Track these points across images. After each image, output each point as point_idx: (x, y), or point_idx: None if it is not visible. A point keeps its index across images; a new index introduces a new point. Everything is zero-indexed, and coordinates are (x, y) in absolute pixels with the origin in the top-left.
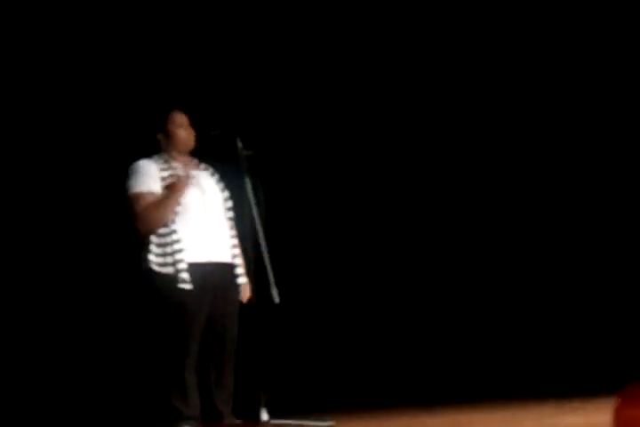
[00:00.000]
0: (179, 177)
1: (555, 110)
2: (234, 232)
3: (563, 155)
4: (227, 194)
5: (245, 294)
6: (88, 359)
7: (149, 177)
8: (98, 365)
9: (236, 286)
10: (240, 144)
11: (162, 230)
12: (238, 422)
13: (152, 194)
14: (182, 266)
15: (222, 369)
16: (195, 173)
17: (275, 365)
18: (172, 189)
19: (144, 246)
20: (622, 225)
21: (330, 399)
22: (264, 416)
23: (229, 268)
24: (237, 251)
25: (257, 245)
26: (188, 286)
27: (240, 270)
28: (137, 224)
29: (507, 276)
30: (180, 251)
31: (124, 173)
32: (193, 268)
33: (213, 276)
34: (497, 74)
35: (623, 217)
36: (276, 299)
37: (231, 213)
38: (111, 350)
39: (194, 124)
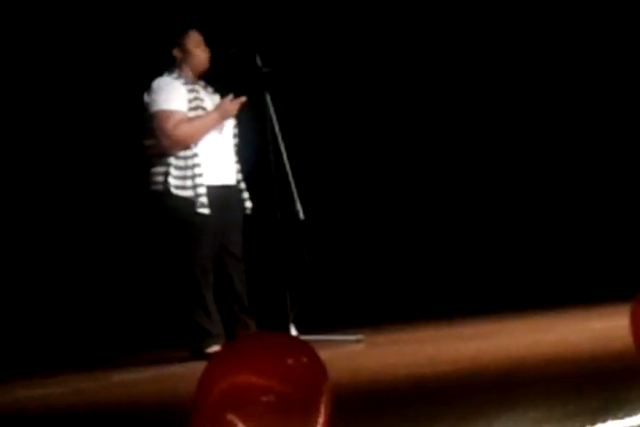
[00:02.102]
0: (230, 105)
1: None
2: (237, 158)
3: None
4: (235, 120)
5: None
6: (107, 282)
7: (178, 95)
8: (116, 289)
9: (243, 209)
10: (259, 61)
11: (183, 153)
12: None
13: (181, 112)
14: (202, 190)
15: (237, 284)
16: (206, 96)
17: (302, 281)
18: (224, 114)
19: (160, 168)
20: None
21: (357, 314)
22: (293, 332)
23: (237, 191)
24: (241, 176)
25: (280, 160)
26: (206, 211)
27: (246, 195)
28: (165, 142)
29: (534, 193)
30: (200, 175)
31: (136, 88)
32: (209, 191)
33: (224, 199)
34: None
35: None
36: (301, 215)
37: (237, 140)
38: (130, 272)
39: (214, 42)
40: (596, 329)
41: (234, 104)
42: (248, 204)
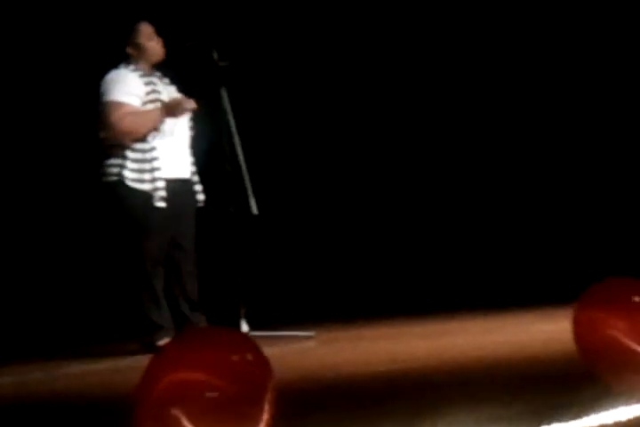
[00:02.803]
0: (180, 103)
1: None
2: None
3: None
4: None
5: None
6: (59, 274)
7: (132, 90)
8: (68, 280)
9: (195, 202)
10: (216, 55)
11: (140, 146)
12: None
13: (131, 106)
14: (160, 184)
15: (186, 278)
16: (162, 87)
17: (254, 277)
18: (170, 111)
19: (116, 160)
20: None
21: (309, 310)
22: (244, 328)
23: (190, 184)
24: (194, 168)
25: (234, 155)
26: (163, 204)
27: (198, 187)
28: (109, 133)
29: (477, 189)
30: (158, 169)
31: (93, 83)
32: (166, 184)
33: (178, 192)
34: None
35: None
36: (255, 210)
37: (193, 132)
38: (81, 263)
39: (170, 35)
40: (545, 331)
41: (183, 107)
42: (200, 196)
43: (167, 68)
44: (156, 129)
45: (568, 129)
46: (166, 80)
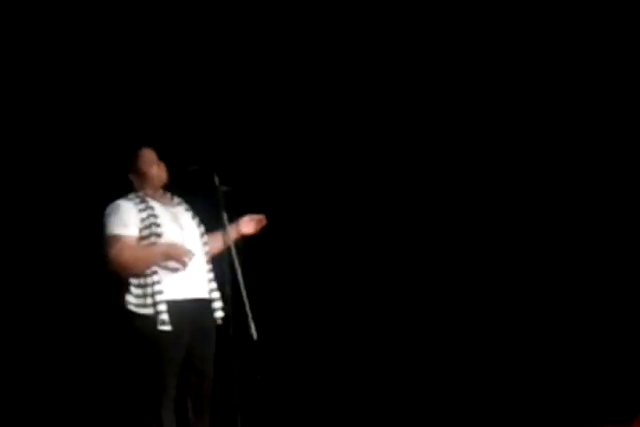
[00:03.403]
0: (182, 250)
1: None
2: (210, 266)
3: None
4: (202, 229)
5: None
6: (67, 397)
7: (128, 220)
8: (77, 403)
9: (214, 321)
10: (217, 180)
11: None
12: None
13: (131, 238)
14: (162, 308)
15: (200, 405)
16: (171, 209)
17: (254, 402)
18: (169, 256)
19: (122, 286)
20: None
21: None
22: None
23: (206, 303)
24: (214, 285)
25: (235, 280)
26: (167, 328)
27: (218, 304)
28: (108, 267)
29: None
30: (160, 292)
31: (99, 214)
32: (171, 306)
33: (191, 312)
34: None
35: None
36: (255, 335)
37: (207, 248)
38: (89, 389)
39: (171, 159)
40: None
41: (180, 257)
42: (218, 313)
43: (172, 191)
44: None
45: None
46: (177, 200)
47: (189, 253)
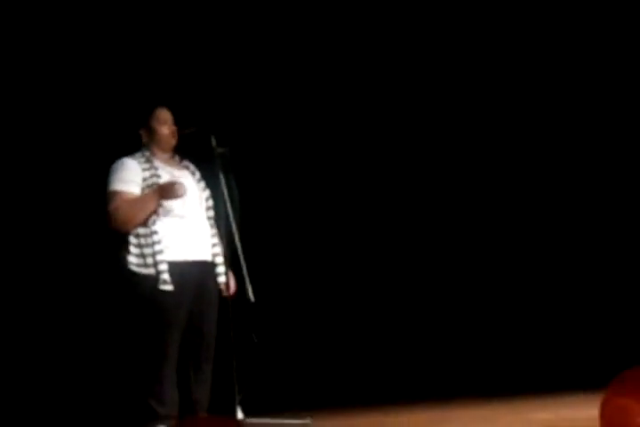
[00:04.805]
0: (173, 185)
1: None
2: (214, 231)
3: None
4: (207, 193)
5: (230, 288)
6: (68, 359)
7: (130, 177)
8: (78, 364)
9: (216, 284)
10: (214, 142)
11: (141, 231)
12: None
13: (130, 194)
14: (163, 267)
15: (200, 366)
16: (176, 171)
17: (250, 363)
18: (161, 194)
19: (122, 246)
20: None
21: (306, 397)
22: (239, 415)
23: (209, 266)
24: (218, 250)
25: (232, 243)
26: (168, 287)
27: (220, 269)
28: (109, 222)
29: (475, 274)
30: (160, 252)
31: (105, 169)
32: (173, 267)
33: (193, 274)
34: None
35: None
36: (252, 298)
37: (211, 213)
38: (91, 348)
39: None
40: (541, 420)
41: (172, 190)
42: (221, 278)
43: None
44: (156, 213)
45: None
46: (186, 163)
47: (180, 185)
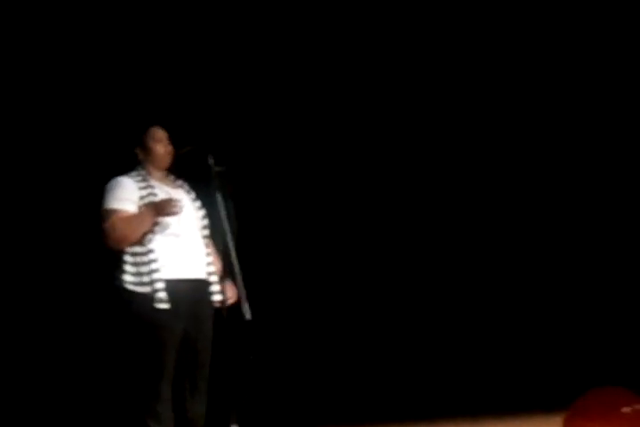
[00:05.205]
0: (168, 202)
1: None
2: (210, 250)
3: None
4: (203, 212)
5: (231, 294)
6: (66, 377)
7: (126, 195)
8: (75, 382)
9: (211, 303)
10: (211, 160)
11: (138, 249)
12: None
13: (126, 212)
14: (160, 286)
15: (196, 385)
16: (172, 190)
17: (246, 382)
18: (157, 211)
19: (118, 265)
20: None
21: (301, 416)
22: None
23: (204, 284)
24: (213, 269)
25: (229, 261)
26: (164, 306)
27: (215, 288)
28: (104, 240)
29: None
30: (157, 270)
31: (100, 188)
32: (168, 285)
33: (188, 292)
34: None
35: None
36: (248, 315)
37: (207, 232)
38: (88, 367)
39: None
40: None
41: (166, 207)
42: (216, 297)
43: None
44: (152, 231)
45: None
46: (180, 182)
47: (175, 201)
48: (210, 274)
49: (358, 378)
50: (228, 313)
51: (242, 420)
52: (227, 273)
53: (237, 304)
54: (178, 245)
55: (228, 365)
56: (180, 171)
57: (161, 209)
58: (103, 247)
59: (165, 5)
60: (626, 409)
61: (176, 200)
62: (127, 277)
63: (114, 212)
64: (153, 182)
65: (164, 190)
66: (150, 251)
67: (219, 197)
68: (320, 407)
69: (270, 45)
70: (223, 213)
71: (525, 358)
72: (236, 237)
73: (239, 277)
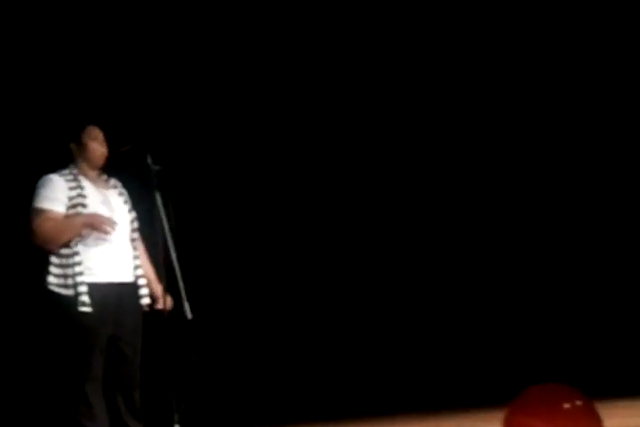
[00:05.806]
0: (106, 221)
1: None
2: (138, 252)
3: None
4: (133, 215)
5: (167, 304)
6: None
7: (56, 195)
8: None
9: (139, 307)
10: (150, 159)
11: (64, 251)
12: None
13: (55, 213)
14: (83, 289)
15: (130, 394)
16: (104, 190)
17: (187, 381)
18: (91, 224)
19: (44, 266)
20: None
21: (243, 416)
22: None
23: (132, 288)
24: (141, 272)
25: (168, 259)
26: (87, 309)
27: (144, 291)
28: (32, 239)
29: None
30: (80, 273)
31: (31, 183)
32: (93, 288)
33: (114, 296)
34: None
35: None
36: (189, 314)
37: (136, 235)
38: (13, 368)
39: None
40: None
41: (101, 225)
42: (145, 300)
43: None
44: (79, 235)
45: None
46: (113, 182)
47: (110, 222)
48: (138, 277)
49: (301, 378)
50: (168, 313)
51: (184, 420)
52: (164, 274)
53: (178, 304)
54: (105, 249)
55: (171, 365)
56: (117, 170)
57: (96, 224)
58: (32, 246)
59: (104, 4)
60: (567, 405)
61: (110, 220)
62: (52, 279)
63: (43, 211)
64: (84, 182)
65: (94, 191)
66: (76, 253)
67: (157, 196)
68: (261, 406)
69: (210, 43)
70: (162, 212)
71: (468, 355)
72: (175, 236)
73: (180, 276)
